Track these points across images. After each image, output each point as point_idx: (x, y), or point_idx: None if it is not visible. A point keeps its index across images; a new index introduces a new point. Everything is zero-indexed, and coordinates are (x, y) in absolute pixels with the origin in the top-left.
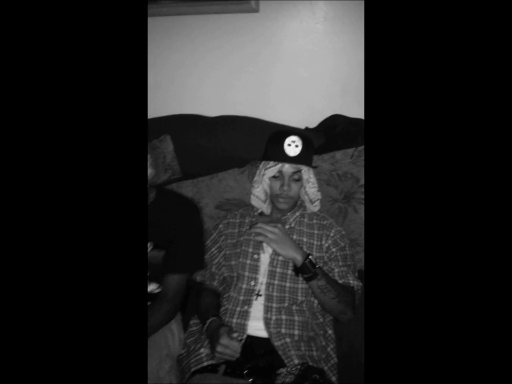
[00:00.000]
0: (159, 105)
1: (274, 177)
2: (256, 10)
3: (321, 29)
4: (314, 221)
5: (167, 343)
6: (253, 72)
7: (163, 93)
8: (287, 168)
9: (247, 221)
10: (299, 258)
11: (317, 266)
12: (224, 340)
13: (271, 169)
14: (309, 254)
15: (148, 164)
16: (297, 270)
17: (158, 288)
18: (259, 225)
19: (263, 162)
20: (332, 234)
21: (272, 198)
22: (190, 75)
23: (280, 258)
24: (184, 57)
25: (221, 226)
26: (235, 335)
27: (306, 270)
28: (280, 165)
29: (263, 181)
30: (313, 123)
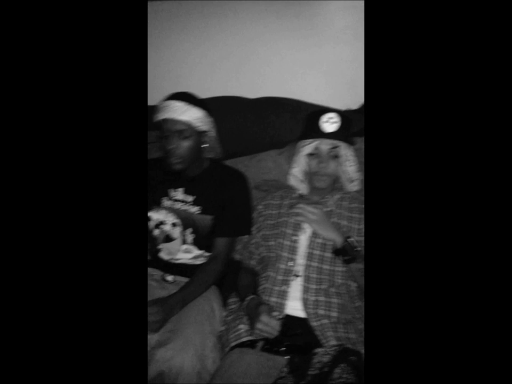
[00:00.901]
0: (205, 86)
1: (311, 154)
2: None
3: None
4: (355, 205)
5: (208, 320)
6: (295, 53)
7: (203, 74)
8: (324, 144)
9: (286, 202)
10: (339, 240)
11: (357, 249)
12: (264, 318)
13: (308, 146)
14: (348, 236)
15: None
16: (337, 252)
17: (201, 254)
18: (300, 205)
19: (300, 141)
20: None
21: (311, 176)
22: (232, 56)
23: (319, 240)
24: (227, 39)
25: (260, 207)
26: (275, 313)
27: (345, 252)
28: (317, 141)
29: (301, 159)
30: (356, 105)
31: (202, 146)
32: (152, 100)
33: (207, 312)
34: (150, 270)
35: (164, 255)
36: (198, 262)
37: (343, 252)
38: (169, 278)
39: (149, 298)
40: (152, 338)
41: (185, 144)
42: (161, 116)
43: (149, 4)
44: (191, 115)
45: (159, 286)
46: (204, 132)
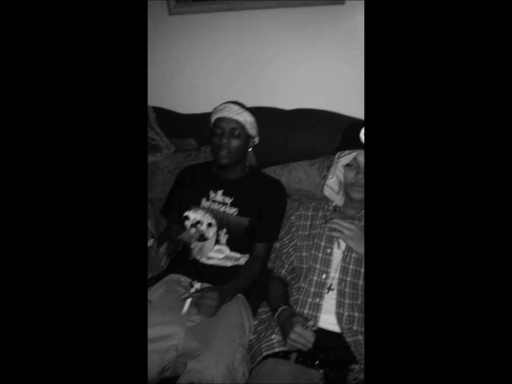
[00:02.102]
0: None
1: (348, 165)
2: (341, 2)
3: None
4: None
5: (238, 332)
6: (333, 65)
7: (239, 85)
8: (363, 155)
9: (320, 214)
10: None
11: None
12: (298, 328)
13: (346, 157)
14: None
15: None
16: None
17: (232, 256)
18: (335, 220)
19: (338, 152)
20: None
21: (346, 188)
22: (270, 66)
23: (353, 255)
24: (264, 49)
25: (292, 218)
26: (310, 323)
27: None
28: (355, 152)
29: (338, 170)
30: None
31: (248, 149)
32: (181, 108)
33: (236, 324)
34: (179, 276)
35: (195, 254)
36: (229, 264)
37: None
38: (197, 285)
39: (176, 303)
40: (179, 345)
41: (235, 142)
42: (218, 115)
43: (171, 17)
44: (244, 117)
45: (187, 292)
46: (252, 137)
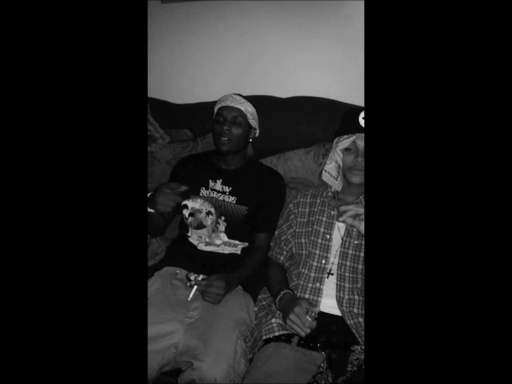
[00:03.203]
0: (240, 86)
1: (347, 149)
2: None
3: None
4: None
5: (237, 325)
6: (329, 53)
7: (233, 74)
8: (361, 139)
9: (318, 201)
10: None
11: None
12: (298, 310)
13: (344, 141)
14: None
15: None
16: None
17: (230, 242)
18: (350, 207)
19: (336, 137)
20: None
21: (345, 172)
22: (264, 54)
23: (352, 240)
24: (259, 38)
25: (290, 205)
26: (316, 309)
27: None
28: (354, 137)
29: (336, 154)
30: None
31: (249, 140)
32: (173, 98)
33: (236, 318)
34: (174, 269)
35: (193, 241)
36: (226, 251)
37: None
38: (192, 277)
39: (173, 298)
40: (179, 343)
41: (236, 130)
42: (221, 104)
43: (160, 5)
44: (246, 107)
45: (184, 286)
46: (253, 128)
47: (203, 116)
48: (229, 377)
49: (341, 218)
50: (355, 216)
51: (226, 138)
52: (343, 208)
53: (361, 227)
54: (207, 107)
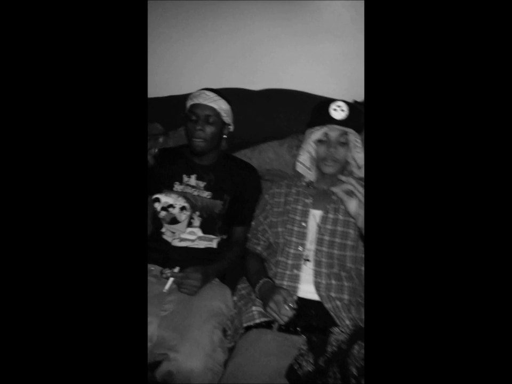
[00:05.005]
0: (210, 78)
1: (320, 141)
2: None
3: None
4: None
5: (214, 316)
6: (300, 46)
7: (205, 68)
8: (333, 130)
9: (293, 190)
10: None
11: None
12: (277, 297)
13: (316, 132)
14: None
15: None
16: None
17: (206, 237)
18: (350, 180)
19: (308, 129)
20: None
21: (319, 162)
22: (237, 48)
23: (328, 226)
24: (232, 32)
25: (266, 196)
26: (294, 297)
27: None
28: (326, 128)
29: (309, 145)
30: (360, 97)
31: (223, 136)
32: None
33: (212, 308)
34: (148, 266)
35: (167, 237)
36: (202, 245)
37: None
38: (168, 271)
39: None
40: (153, 335)
41: (210, 129)
42: (193, 101)
43: (150, 3)
44: (219, 105)
45: (158, 282)
46: (227, 124)
47: (174, 109)
48: (207, 366)
49: (334, 188)
50: (348, 192)
51: (200, 139)
52: (343, 178)
53: (349, 204)
54: (178, 100)
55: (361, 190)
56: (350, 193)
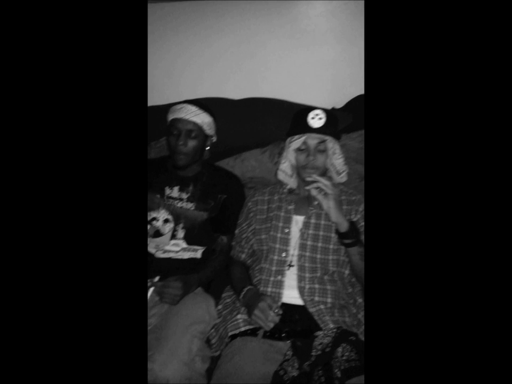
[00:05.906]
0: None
1: (300, 150)
2: None
3: (350, 10)
4: (343, 197)
5: (194, 324)
6: (279, 54)
7: (193, 75)
8: (312, 139)
9: (276, 197)
10: (345, 224)
11: (360, 232)
12: (262, 304)
13: (296, 141)
14: (353, 222)
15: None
16: (341, 236)
17: (189, 248)
18: (318, 178)
19: (288, 138)
20: (360, 209)
21: (299, 170)
22: (218, 57)
23: (310, 231)
24: (214, 42)
25: (249, 204)
26: (278, 304)
27: (350, 235)
28: (305, 136)
29: (289, 154)
30: (340, 104)
31: (205, 148)
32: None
33: (193, 318)
34: None
35: (151, 249)
36: (186, 256)
37: (348, 235)
38: (147, 282)
39: None
40: None
41: (192, 144)
42: (175, 115)
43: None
44: (202, 119)
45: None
46: (209, 136)
47: (155, 120)
48: (184, 375)
49: (307, 186)
50: (320, 190)
51: (182, 155)
52: (314, 176)
53: (324, 202)
54: (159, 110)
55: (330, 185)
56: (321, 191)
